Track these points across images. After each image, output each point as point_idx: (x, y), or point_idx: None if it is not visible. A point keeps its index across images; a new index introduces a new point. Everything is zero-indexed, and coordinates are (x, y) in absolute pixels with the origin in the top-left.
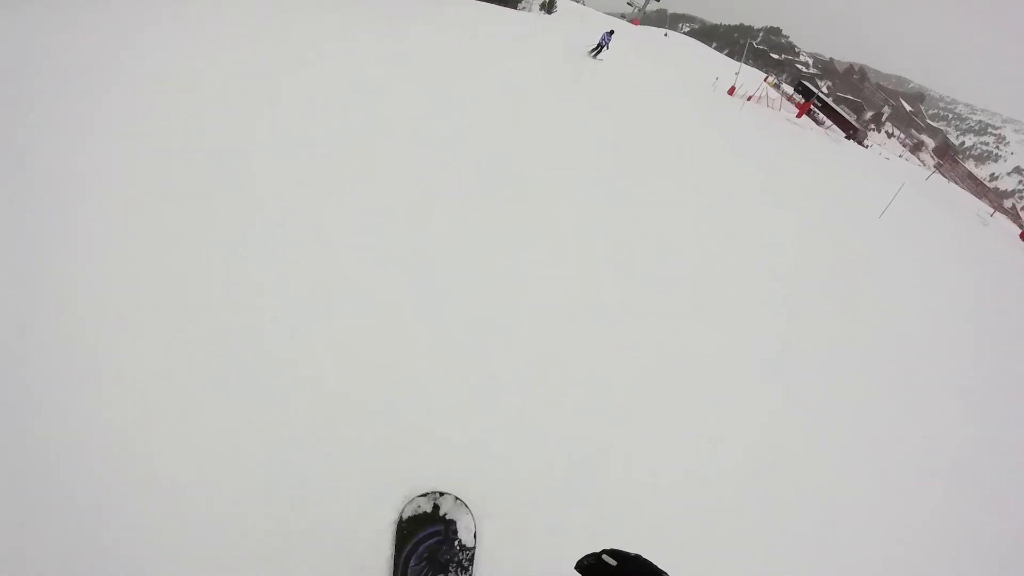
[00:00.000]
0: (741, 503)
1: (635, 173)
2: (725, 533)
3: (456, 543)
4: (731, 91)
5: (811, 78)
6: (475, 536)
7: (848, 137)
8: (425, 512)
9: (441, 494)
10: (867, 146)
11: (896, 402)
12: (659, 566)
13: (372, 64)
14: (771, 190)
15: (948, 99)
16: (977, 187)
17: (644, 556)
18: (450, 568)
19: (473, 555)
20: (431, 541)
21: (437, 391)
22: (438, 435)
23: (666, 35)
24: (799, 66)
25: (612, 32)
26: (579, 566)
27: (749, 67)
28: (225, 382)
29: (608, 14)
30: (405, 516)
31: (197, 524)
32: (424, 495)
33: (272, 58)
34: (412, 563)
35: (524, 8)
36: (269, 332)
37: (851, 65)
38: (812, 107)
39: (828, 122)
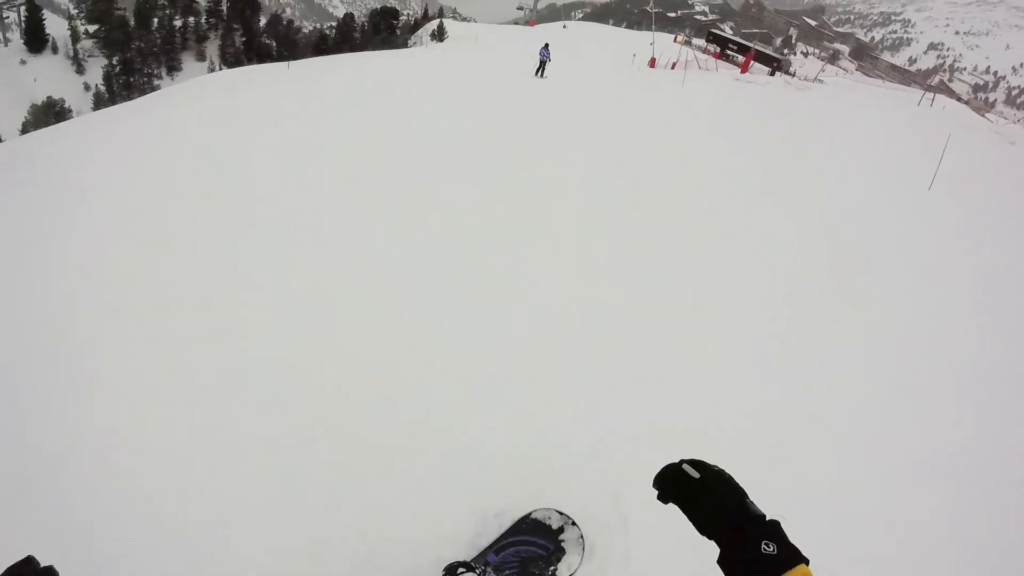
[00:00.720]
0: None
1: (629, 175)
2: None
3: (552, 568)
4: (652, 63)
5: (714, 24)
6: (573, 575)
7: (773, 72)
8: (549, 526)
9: (573, 523)
10: (792, 72)
11: (896, 402)
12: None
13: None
14: (787, 178)
15: (845, 2)
16: (904, 76)
17: (728, 472)
18: None
19: None
20: (535, 549)
21: (437, 391)
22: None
23: (565, 27)
24: (698, 17)
25: (547, 45)
26: (658, 479)
27: (655, 33)
28: (225, 382)
29: (501, 24)
30: (532, 516)
31: (197, 525)
32: (561, 513)
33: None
34: (508, 551)
35: (414, 44)
36: (269, 332)
37: (746, 0)
38: (728, 51)
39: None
